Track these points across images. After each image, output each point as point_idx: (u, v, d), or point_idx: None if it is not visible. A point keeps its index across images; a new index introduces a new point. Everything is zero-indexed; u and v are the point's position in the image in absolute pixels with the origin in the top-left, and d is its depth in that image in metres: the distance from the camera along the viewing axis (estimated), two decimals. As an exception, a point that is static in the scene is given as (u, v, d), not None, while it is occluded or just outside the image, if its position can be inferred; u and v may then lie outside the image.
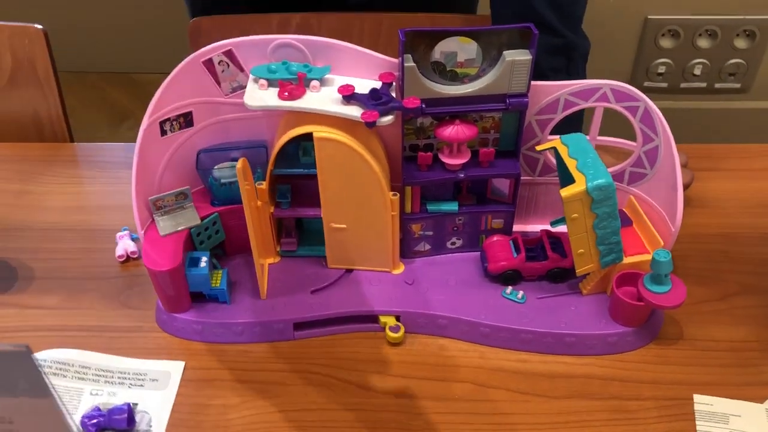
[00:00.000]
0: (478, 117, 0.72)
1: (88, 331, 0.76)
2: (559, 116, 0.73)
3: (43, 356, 0.72)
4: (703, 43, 1.80)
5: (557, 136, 0.72)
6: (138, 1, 2.24)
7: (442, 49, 0.66)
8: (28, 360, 0.38)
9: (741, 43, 1.78)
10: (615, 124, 0.80)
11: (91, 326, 0.76)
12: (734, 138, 1.89)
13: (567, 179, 0.69)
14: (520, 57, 0.66)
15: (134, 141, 0.70)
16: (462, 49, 0.66)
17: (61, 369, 0.71)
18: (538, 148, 0.72)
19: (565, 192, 0.65)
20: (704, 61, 1.83)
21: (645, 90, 0.71)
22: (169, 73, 0.69)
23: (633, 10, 1.77)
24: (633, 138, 0.74)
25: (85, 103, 2.34)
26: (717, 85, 1.88)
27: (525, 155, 0.76)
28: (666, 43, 1.81)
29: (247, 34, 0.71)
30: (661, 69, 1.84)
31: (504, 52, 0.66)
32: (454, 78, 0.68)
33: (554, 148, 0.70)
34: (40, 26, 0.95)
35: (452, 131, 0.70)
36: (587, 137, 0.71)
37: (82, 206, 0.91)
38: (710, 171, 0.94)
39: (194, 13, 1.03)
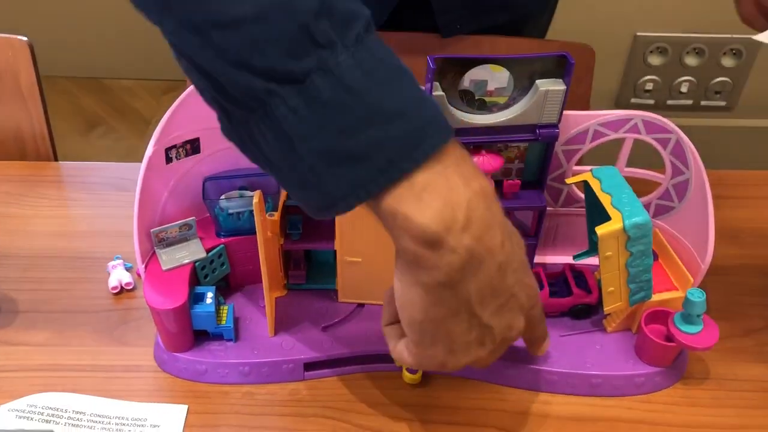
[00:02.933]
0: (503, 147, 0.68)
1: (80, 371, 0.70)
2: (587, 147, 0.70)
3: (33, 402, 0.66)
4: (691, 60, 1.80)
5: (585, 167, 0.69)
6: (111, 5, 2.16)
7: (472, 77, 0.62)
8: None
9: (728, 62, 1.79)
10: (635, 154, 0.78)
11: (83, 365, 0.71)
12: (718, 156, 1.90)
13: (597, 214, 0.66)
14: (553, 87, 0.62)
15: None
16: (493, 77, 0.62)
17: (53, 415, 0.65)
18: (568, 181, 0.68)
19: (602, 230, 0.62)
20: (691, 78, 1.83)
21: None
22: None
23: (622, 27, 1.77)
24: (656, 168, 0.72)
25: (55, 108, 2.26)
26: (703, 103, 1.88)
27: (548, 185, 0.73)
28: (654, 60, 1.81)
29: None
30: (649, 86, 1.84)
31: (537, 81, 0.63)
32: (482, 107, 0.64)
33: (584, 181, 0.67)
34: (25, 38, 0.89)
35: (478, 162, 0.66)
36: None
37: (70, 232, 0.86)
38: (724, 198, 0.91)
39: None
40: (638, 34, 1.77)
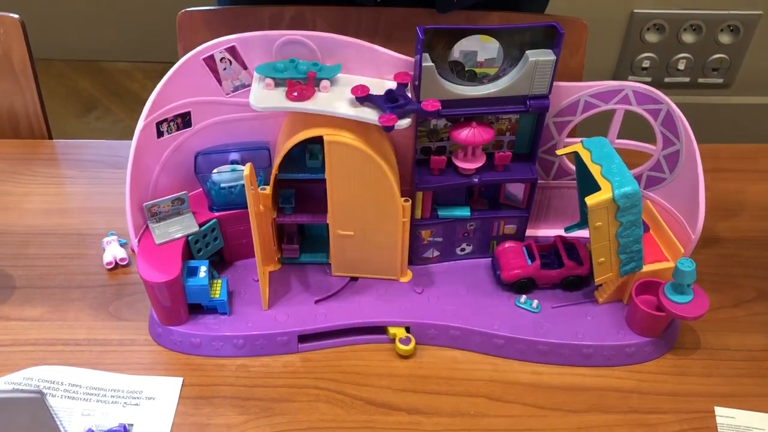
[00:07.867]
0: (494, 119, 0.69)
1: (76, 345, 0.71)
2: (578, 118, 0.70)
3: (29, 374, 0.67)
4: (688, 37, 1.79)
5: (576, 139, 0.70)
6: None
7: (461, 48, 0.62)
8: (41, 405, 0.33)
9: (725, 39, 1.78)
10: (627, 126, 0.78)
11: (79, 339, 0.71)
12: (716, 133, 1.89)
13: (588, 185, 0.66)
14: (543, 57, 0.62)
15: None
16: (483, 48, 0.62)
17: (49, 388, 0.66)
18: (559, 152, 0.69)
19: (591, 200, 0.62)
20: (688, 55, 1.82)
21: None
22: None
23: (619, 4, 1.75)
24: (648, 140, 0.72)
25: (51, 91, 2.24)
26: (700, 80, 1.87)
27: (539, 158, 0.73)
28: (651, 37, 1.80)
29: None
30: (646, 63, 1.83)
31: (527, 52, 0.63)
32: (473, 78, 0.64)
33: (575, 152, 0.67)
34: (16, 15, 0.89)
35: (469, 134, 0.66)
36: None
37: (64, 208, 0.86)
38: (716, 172, 0.92)
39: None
40: (635, 11, 1.75)
